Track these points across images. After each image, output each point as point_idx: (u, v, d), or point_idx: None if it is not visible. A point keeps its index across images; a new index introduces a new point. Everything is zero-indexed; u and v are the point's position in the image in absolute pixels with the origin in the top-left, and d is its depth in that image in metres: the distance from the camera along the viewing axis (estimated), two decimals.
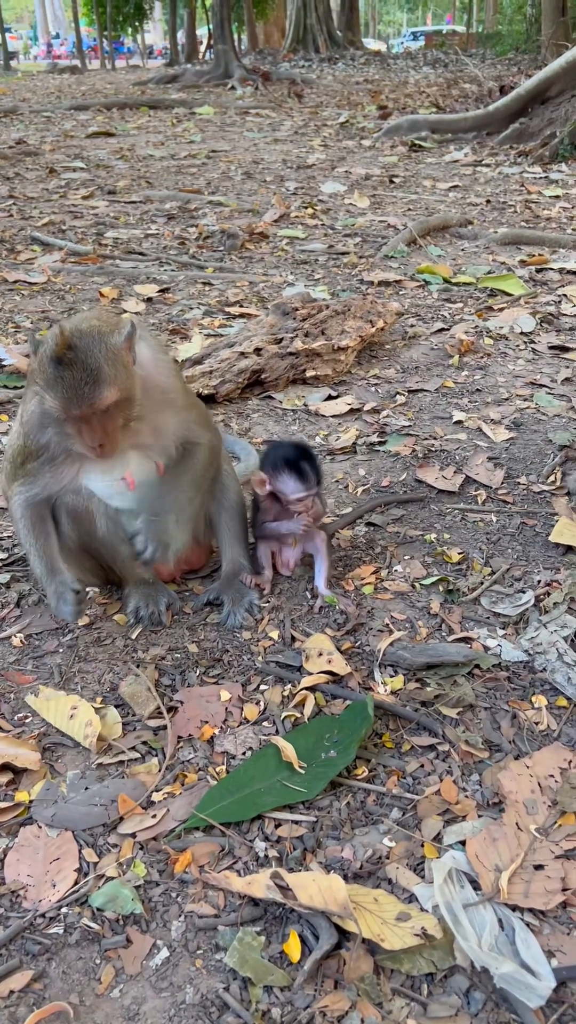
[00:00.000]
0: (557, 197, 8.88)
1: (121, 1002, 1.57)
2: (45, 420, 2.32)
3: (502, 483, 3.35)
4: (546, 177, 9.98)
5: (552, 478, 3.36)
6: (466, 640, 2.48)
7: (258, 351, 4.31)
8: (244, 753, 2.11)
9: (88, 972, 1.62)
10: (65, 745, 2.16)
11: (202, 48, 38.89)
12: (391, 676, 2.35)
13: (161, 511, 2.51)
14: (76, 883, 1.79)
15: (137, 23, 45.33)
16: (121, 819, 1.93)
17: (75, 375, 2.17)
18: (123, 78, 31.08)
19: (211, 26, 30.22)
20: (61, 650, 2.51)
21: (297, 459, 2.62)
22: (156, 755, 2.12)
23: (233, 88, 23.49)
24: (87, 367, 2.17)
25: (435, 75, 26.61)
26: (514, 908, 1.70)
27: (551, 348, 4.81)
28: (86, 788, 2.01)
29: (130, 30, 46.72)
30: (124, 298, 5.74)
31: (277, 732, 2.17)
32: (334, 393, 4.27)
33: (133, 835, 1.89)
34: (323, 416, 4.04)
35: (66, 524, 2.51)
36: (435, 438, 3.75)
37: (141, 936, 1.68)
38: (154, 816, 1.93)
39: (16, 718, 2.25)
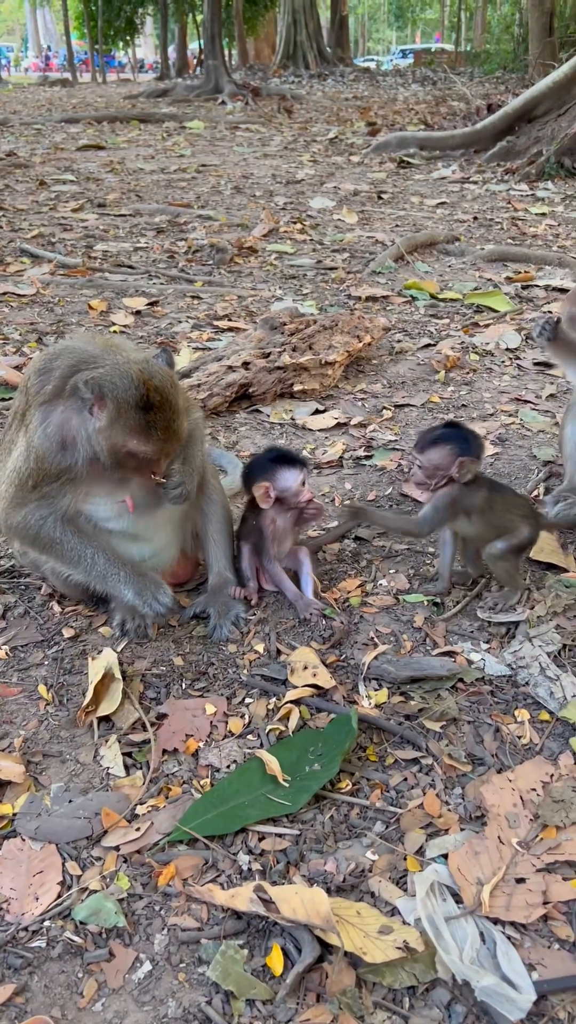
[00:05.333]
0: (543, 215, 8.98)
1: (103, 1016, 1.57)
2: (68, 444, 2.30)
3: None
4: (532, 195, 10.10)
5: (536, 493, 3.39)
6: (450, 654, 2.50)
7: (246, 365, 4.34)
8: (228, 766, 2.11)
9: (70, 986, 1.62)
10: (50, 756, 2.16)
11: (193, 63, 39.13)
12: (375, 689, 2.36)
13: (165, 526, 2.58)
14: (59, 896, 1.79)
15: (128, 37, 45.56)
16: (105, 832, 1.94)
17: (166, 417, 2.23)
18: (114, 91, 31.22)
19: (202, 41, 30.40)
20: (47, 662, 2.51)
21: (278, 454, 2.74)
22: (140, 768, 2.13)
23: (223, 103, 23.63)
24: (172, 406, 2.25)
25: (424, 92, 26.86)
26: (496, 921, 1.72)
27: (536, 364, 4.86)
28: (70, 801, 2.01)
29: (121, 44, 46.94)
30: (113, 311, 5.76)
31: (262, 745, 2.18)
32: (321, 407, 4.30)
33: (117, 848, 1.90)
34: (310, 430, 4.07)
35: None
36: None
37: (124, 949, 1.68)
38: (138, 829, 1.93)
39: None
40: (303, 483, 2.70)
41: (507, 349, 5.10)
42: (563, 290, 6.19)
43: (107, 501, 2.46)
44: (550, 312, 3.26)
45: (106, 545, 2.48)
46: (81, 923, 1.73)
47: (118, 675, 2.33)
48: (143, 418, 2.21)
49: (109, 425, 2.23)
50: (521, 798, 1.99)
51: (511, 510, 2.64)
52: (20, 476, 2.40)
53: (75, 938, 1.70)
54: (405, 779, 2.07)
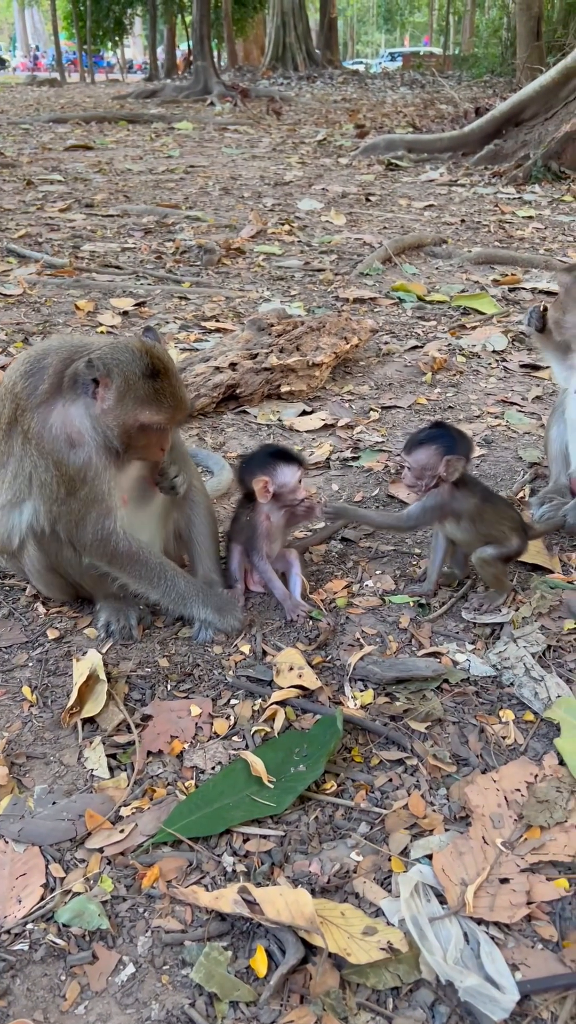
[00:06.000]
0: (530, 218, 9.02)
1: (86, 1019, 1.56)
2: (76, 440, 2.29)
3: None
4: (519, 198, 10.13)
5: (522, 494, 3.40)
6: (435, 655, 2.50)
7: (233, 366, 4.33)
8: (213, 768, 2.11)
9: (53, 989, 1.61)
10: (34, 758, 2.15)
11: (182, 64, 39.08)
12: (361, 690, 2.36)
13: (155, 518, 2.61)
14: (42, 899, 1.78)
15: (117, 38, 45.47)
16: (89, 834, 1.93)
17: (173, 383, 2.29)
18: (102, 92, 31.14)
19: (191, 42, 30.38)
20: (31, 664, 2.49)
21: (276, 450, 2.77)
22: (125, 770, 2.12)
23: (212, 104, 23.62)
24: (177, 375, 2.32)
25: (412, 96, 26.94)
26: (479, 922, 1.72)
27: (522, 367, 4.88)
28: (53, 803, 2.00)
29: (110, 44, 46.85)
30: (100, 311, 5.74)
31: (247, 747, 2.17)
32: (308, 408, 4.30)
33: (101, 850, 1.89)
34: (297, 431, 4.07)
35: (31, 547, 2.50)
36: None
37: (107, 952, 1.68)
38: (122, 831, 1.92)
39: None
40: (300, 480, 2.72)
41: (494, 351, 5.11)
42: (549, 293, 6.21)
43: None
44: (540, 304, 3.28)
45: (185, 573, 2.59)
46: (64, 926, 1.72)
47: (103, 676, 2.32)
48: (151, 386, 2.25)
49: (118, 401, 2.24)
50: (505, 798, 1.99)
51: (502, 521, 2.65)
52: (49, 489, 2.34)
53: (58, 941, 1.69)
54: (390, 780, 2.08)
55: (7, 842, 1.90)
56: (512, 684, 2.38)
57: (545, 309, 3.19)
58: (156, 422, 2.29)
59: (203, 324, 5.50)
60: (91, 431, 2.29)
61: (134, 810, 1.99)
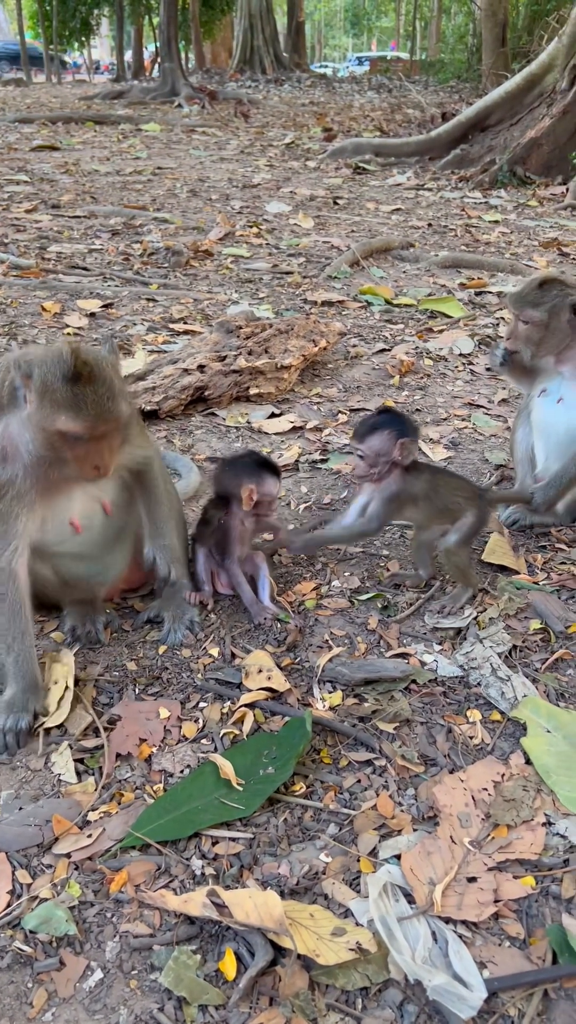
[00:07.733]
0: (496, 222, 9.11)
1: None
2: (10, 454, 2.19)
3: None
4: (486, 202, 10.23)
5: None
6: (403, 655, 2.52)
7: (201, 368, 4.32)
8: (182, 771, 2.10)
9: (20, 996, 1.60)
10: (0, 763, 2.13)
11: (149, 65, 38.92)
12: (330, 692, 2.37)
13: (114, 545, 2.53)
14: (8, 905, 1.76)
15: (84, 38, 45.12)
16: (56, 839, 1.91)
17: (97, 390, 2.10)
18: (69, 92, 30.87)
19: (158, 44, 30.27)
20: None
21: (261, 460, 2.79)
22: (92, 774, 2.10)
23: (180, 106, 23.53)
24: (105, 381, 2.12)
25: (379, 100, 27.08)
26: (447, 920, 1.73)
27: (488, 370, 4.92)
28: (20, 808, 1.98)
29: (76, 45, 46.48)
30: (67, 313, 5.70)
31: (215, 749, 2.17)
32: (277, 411, 4.31)
33: (68, 855, 1.87)
34: (266, 433, 4.07)
35: None
36: None
37: (75, 958, 1.66)
38: (90, 836, 1.91)
39: None
40: (277, 493, 2.77)
41: (460, 354, 5.16)
42: None
43: (54, 524, 2.36)
44: (501, 338, 3.27)
45: (32, 657, 2.30)
46: (31, 932, 1.71)
47: (70, 684, 2.30)
48: (71, 391, 2.08)
49: (38, 405, 2.11)
50: (473, 798, 2.01)
51: (456, 491, 2.68)
52: None
53: (25, 948, 1.68)
54: (358, 781, 2.08)
55: None
56: (479, 684, 2.40)
57: (514, 351, 3.14)
58: (72, 431, 2.12)
59: (171, 326, 5.48)
60: (28, 444, 2.18)
61: (102, 815, 1.98)
